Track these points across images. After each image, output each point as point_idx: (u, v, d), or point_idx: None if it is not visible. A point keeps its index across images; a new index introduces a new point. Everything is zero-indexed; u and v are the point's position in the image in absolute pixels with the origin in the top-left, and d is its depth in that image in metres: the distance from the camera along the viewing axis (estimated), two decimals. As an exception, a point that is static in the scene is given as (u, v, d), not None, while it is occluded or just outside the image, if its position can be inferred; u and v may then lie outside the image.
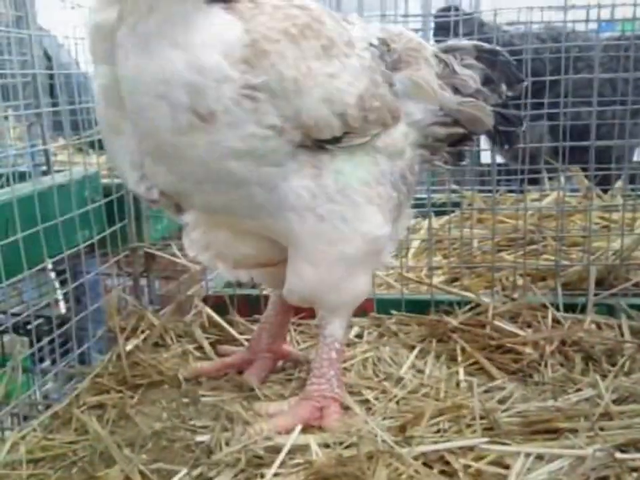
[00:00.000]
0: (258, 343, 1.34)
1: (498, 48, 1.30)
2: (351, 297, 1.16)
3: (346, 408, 1.15)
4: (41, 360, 1.74)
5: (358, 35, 1.11)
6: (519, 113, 1.34)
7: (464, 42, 1.32)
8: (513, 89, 1.30)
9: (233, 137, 0.95)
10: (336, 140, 1.05)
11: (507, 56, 1.30)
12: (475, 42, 1.31)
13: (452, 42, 1.31)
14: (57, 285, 2.07)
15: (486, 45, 1.30)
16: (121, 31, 0.93)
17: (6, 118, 2.01)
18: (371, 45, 1.12)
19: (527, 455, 0.96)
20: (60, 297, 2.16)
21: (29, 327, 1.59)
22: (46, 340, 1.56)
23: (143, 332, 1.51)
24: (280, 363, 1.38)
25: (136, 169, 1.06)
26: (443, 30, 1.96)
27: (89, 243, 1.61)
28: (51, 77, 1.97)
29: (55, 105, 1.93)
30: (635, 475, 0.91)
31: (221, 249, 1.16)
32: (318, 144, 1.04)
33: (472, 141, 1.30)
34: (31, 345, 1.47)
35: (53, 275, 1.88)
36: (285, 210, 1.05)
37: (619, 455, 0.93)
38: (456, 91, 1.22)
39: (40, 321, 1.71)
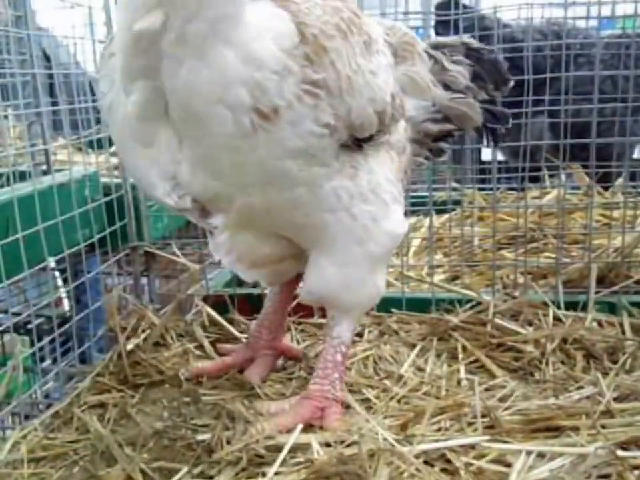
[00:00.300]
0: (258, 341, 1.34)
1: (486, 47, 1.30)
2: (367, 298, 1.15)
3: (347, 407, 1.15)
4: (42, 359, 1.73)
5: (378, 31, 1.11)
6: (505, 109, 1.34)
7: (452, 38, 1.31)
8: (499, 88, 1.29)
9: (294, 135, 0.92)
10: (369, 138, 1.04)
11: (496, 55, 1.29)
12: (463, 39, 1.31)
13: (441, 38, 1.31)
14: (60, 282, 2.06)
15: (474, 42, 1.29)
16: (167, 39, 0.83)
17: (6, 117, 2.01)
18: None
19: (529, 452, 0.96)
20: (63, 294, 2.16)
21: (28, 326, 1.59)
22: (47, 339, 1.56)
23: (143, 331, 1.51)
24: (280, 362, 1.38)
25: (167, 180, 0.99)
26: (442, 25, 1.96)
27: (89, 242, 1.61)
28: (50, 76, 1.97)
29: (54, 104, 1.93)
30: (636, 472, 0.91)
31: (242, 250, 1.11)
32: (356, 143, 1.03)
33: (452, 137, 1.30)
34: (32, 344, 1.47)
35: (56, 273, 1.87)
36: (323, 210, 1.03)
37: (620, 452, 0.93)
38: (446, 87, 1.22)
39: (40, 320, 1.71)
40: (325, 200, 1.02)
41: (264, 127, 0.89)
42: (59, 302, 2.06)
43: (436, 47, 1.25)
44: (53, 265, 1.74)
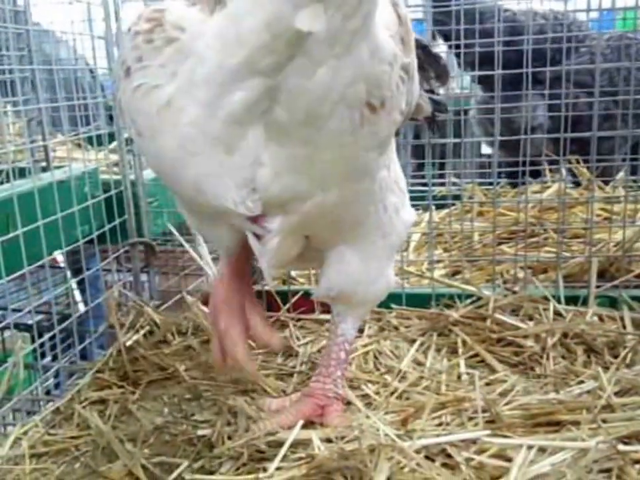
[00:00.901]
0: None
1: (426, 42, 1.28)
2: (380, 292, 1.14)
3: (347, 403, 1.15)
4: (43, 356, 1.74)
5: None
6: (443, 98, 1.34)
7: None
8: (441, 81, 1.28)
9: (387, 124, 0.86)
10: None
11: (436, 51, 1.27)
12: None
13: None
14: (74, 285, 2.05)
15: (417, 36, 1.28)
16: (316, 37, 0.72)
17: (5, 113, 2.01)
18: None
19: (529, 447, 0.96)
20: (78, 297, 2.15)
21: (29, 322, 1.59)
22: (47, 336, 1.56)
23: (143, 327, 1.51)
24: (280, 360, 1.38)
25: (243, 186, 0.87)
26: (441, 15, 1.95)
27: (88, 238, 1.61)
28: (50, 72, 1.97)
29: (53, 100, 1.92)
30: (637, 467, 0.91)
31: (283, 253, 1.02)
32: None
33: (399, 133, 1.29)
34: (33, 340, 1.48)
35: (68, 272, 1.87)
36: (369, 203, 1.00)
37: (621, 447, 0.93)
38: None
39: (40, 317, 1.71)
40: (375, 192, 0.99)
41: (369, 120, 0.83)
42: (73, 305, 2.06)
43: None
44: (63, 264, 1.75)
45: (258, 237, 0.96)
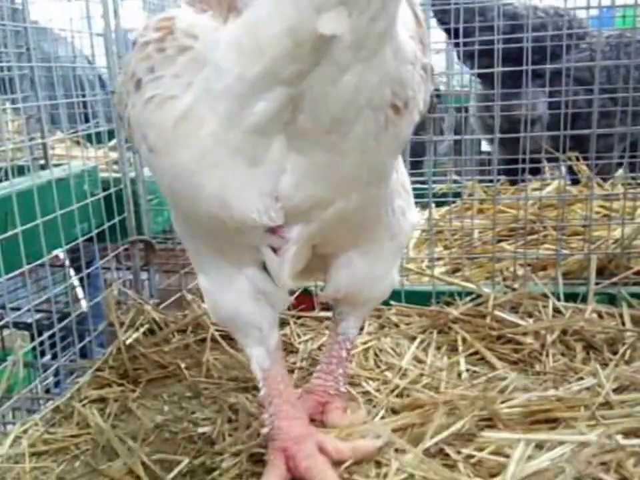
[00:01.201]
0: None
1: None
2: (383, 292, 1.13)
3: (348, 400, 1.16)
4: (42, 354, 1.74)
5: None
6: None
7: None
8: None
9: (407, 125, 0.85)
10: None
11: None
12: None
13: None
14: (76, 282, 2.05)
15: None
16: (342, 42, 0.69)
17: (4, 111, 2.01)
18: None
19: (528, 442, 0.96)
20: (81, 294, 2.15)
21: (29, 320, 1.59)
22: (46, 334, 1.56)
23: (143, 325, 1.51)
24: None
25: (266, 197, 0.83)
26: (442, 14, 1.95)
27: (88, 236, 1.61)
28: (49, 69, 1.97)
29: (52, 98, 1.92)
30: (635, 460, 0.91)
31: (295, 264, 0.98)
32: None
33: None
34: (32, 339, 1.48)
35: (71, 270, 1.86)
36: (381, 206, 0.99)
37: (622, 440, 0.93)
38: None
39: (40, 315, 1.71)
40: (386, 195, 0.98)
41: (393, 122, 0.81)
42: (76, 300, 2.06)
43: None
44: (67, 262, 1.75)
45: (274, 250, 0.92)
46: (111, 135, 1.86)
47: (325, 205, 0.88)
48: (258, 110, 0.74)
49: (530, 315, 1.47)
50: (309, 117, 0.76)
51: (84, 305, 2.02)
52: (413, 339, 1.43)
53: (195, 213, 0.87)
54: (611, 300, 1.53)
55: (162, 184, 0.88)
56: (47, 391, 1.61)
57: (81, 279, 1.65)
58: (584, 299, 1.52)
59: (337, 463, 0.96)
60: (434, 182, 1.99)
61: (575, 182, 2.13)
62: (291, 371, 1.33)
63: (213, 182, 0.81)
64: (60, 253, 1.54)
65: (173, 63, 0.78)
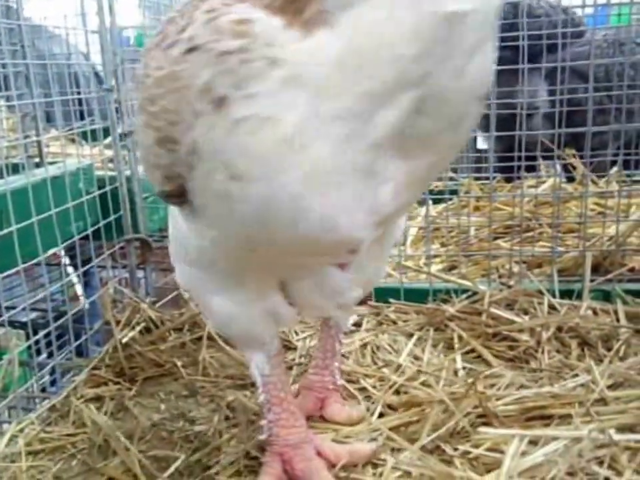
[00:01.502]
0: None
1: None
2: (373, 286, 1.15)
3: (346, 397, 1.16)
4: (38, 353, 1.73)
5: None
6: None
7: None
8: None
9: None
10: None
11: None
12: None
13: None
14: (75, 279, 2.05)
15: None
16: (474, 17, 0.63)
17: (-2, 109, 2.00)
18: None
19: (522, 437, 0.97)
20: (79, 291, 2.14)
21: (24, 319, 1.59)
22: (42, 333, 1.56)
23: (139, 324, 1.51)
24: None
25: (371, 212, 0.76)
26: None
27: (83, 234, 1.61)
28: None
29: (47, 95, 1.91)
30: (628, 454, 0.92)
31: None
32: None
33: None
34: (28, 338, 1.47)
35: (70, 268, 1.86)
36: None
37: (616, 435, 0.93)
38: None
39: (36, 314, 1.71)
40: None
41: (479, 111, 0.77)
42: (75, 298, 2.06)
43: None
44: (67, 260, 1.74)
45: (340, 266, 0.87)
46: (106, 132, 1.86)
47: (403, 211, 0.82)
48: (383, 122, 0.67)
49: (525, 312, 1.47)
50: (431, 117, 0.69)
51: (82, 300, 2.02)
52: (410, 335, 1.43)
53: (275, 241, 0.75)
54: (606, 297, 1.53)
55: (240, 217, 0.73)
56: (43, 390, 1.60)
57: (79, 276, 1.65)
58: (579, 296, 1.53)
59: (332, 465, 0.96)
60: (430, 179, 1.99)
61: (570, 179, 2.13)
62: (290, 368, 1.33)
63: (323, 204, 0.71)
64: (59, 250, 1.54)
65: (266, 79, 0.65)
